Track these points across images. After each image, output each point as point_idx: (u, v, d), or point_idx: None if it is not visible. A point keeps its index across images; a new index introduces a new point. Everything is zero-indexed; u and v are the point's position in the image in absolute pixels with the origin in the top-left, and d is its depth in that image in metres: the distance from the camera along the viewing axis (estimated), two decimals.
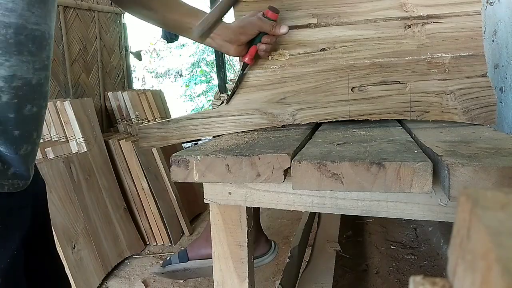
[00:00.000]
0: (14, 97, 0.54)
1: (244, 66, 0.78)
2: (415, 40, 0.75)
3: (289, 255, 1.35)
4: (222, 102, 0.83)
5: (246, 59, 0.76)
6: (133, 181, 2.19)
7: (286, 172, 0.51)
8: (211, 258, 1.20)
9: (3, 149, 0.56)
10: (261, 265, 1.18)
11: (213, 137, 0.79)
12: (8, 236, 0.63)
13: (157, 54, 8.64)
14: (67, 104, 1.80)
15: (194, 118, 0.78)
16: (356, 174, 0.45)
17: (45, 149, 1.65)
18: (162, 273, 1.22)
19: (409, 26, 0.75)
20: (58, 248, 1.37)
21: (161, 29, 4.64)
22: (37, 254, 0.76)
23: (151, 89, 2.78)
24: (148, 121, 2.43)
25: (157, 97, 2.73)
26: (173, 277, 1.24)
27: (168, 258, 1.23)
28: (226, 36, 0.77)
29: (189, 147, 0.99)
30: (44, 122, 0.68)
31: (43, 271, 0.77)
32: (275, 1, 0.77)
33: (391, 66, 0.75)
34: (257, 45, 0.75)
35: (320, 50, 0.77)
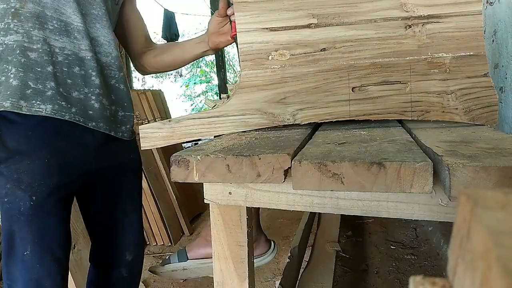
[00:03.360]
0: None
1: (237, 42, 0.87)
2: (416, 40, 0.75)
3: (289, 255, 1.35)
4: (214, 106, 0.85)
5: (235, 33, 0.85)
6: None
7: (287, 172, 0.51)
8: (210, 257, 1.20)
9: None
10: (260, 265, 1.18)
11: (214, 136, 0.79)
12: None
13: None
14: None
15: (195, 118, 0.78)
16: (356, 174, 0.45)
17: None
18: (161, 272, 1.22)
19: (410, 26, 0.75)
20: None
21: (161, 28, 4.65)
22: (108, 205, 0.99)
23: (151, 89, 2.78)
24: (148, 121, 2.43)
25: (157, 97, 2.73)
26: (172, 276, 1.24)
27: (167, 257, 1.23)
28: (210, 38, 1.02)
29: (189, 147, 0.99)
30: None
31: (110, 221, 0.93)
32: (274, 1, 0.77)
33: (392, 66, 0.75)
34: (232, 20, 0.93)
35: (321, 50, 0.77)
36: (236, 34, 0.82)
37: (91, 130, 0.87)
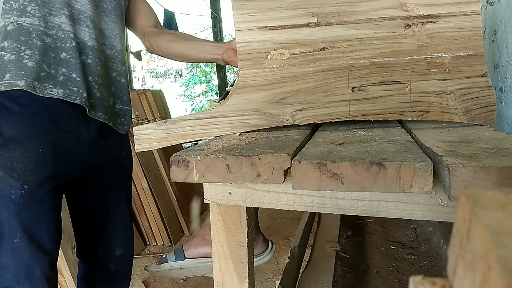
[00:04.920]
0: None
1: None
2: (415, 40, 0.75)
3: (289, 255, 1.35)
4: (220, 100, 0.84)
5: None
6: (133, 181, 2.19)
7: (286, 172, 0.51)
8: (208, 257, 1.20)
9: None
10: (258, 265, 1.18)
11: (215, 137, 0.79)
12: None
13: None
14: None
15: (191, 119, 0.77)
16: (356, 174, 0.45)
17: None
18: (158, 271, 1.22)
19: (409, 26, 0.75)
20: None
21: None
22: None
23: (151, 89, 2.78)
24: (148, 121, 2.43)
25: (157, 97, 2.73)
26: (168, 275, 1.24)
27: (164, 256, 1.23)
28: (228, 51, 1.00)
29: (189, 147, 0.99)
30: None
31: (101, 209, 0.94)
32: (274, 0, 0.77)
33: (391, 66, 0.75)
34: None
35: (320, 50, 0.77)
36: None
37: (87, 123, 0.88)
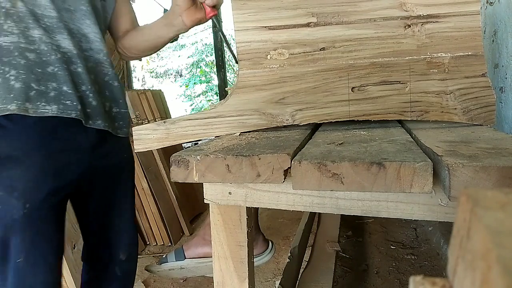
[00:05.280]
0: None
1: (218, 21, 0.85)
2: (415, 40, 0.75)
3: (289, 255, 1.35)
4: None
5: (210, 12, 0.81)
6: None
7: (286, 172, 0.51)
8: (208, 257, 1.20)
9: None
10: (259, 264, 1.18)
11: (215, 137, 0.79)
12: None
13: (157, 54, 8.64)
14: None
15: (191, 119, 0.77)
16: (356, 174, 0.45)
17: None
18: (158, 271, 1.22)
19: (409, 26, 0.75)
20: None
21: None
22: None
23: (151, 89, 2.78)
24: (148, 121, 2.43)
25: (157, 97, 2.73)
26: (168, 275, 1.24)
27: (164, 256, 1.23)
28: (173, 13, 0.94)
29: (189, 147, 0.99)
30: None
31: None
32: (273, 0, 0.77)
33: (391, 65, 0.75)
34: None
35: (320, 50, 0.77)
36: (214, 14, 0.80)
37: (85, 130, 0.86)
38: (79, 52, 0.85)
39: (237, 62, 0.87)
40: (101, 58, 0.91)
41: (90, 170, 0.90)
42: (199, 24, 0.96)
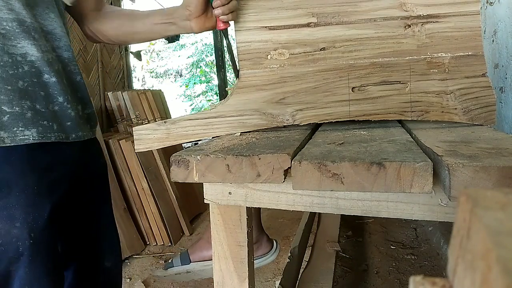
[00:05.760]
0: None
1: (225, 33, 0.82)
2: (415, 40, 0.75)
3: (289, 255, 1.35)
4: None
5: (221, 25, 0.78)
6: (133, 181, 2.19)
7: (286, 172, 0.51)
8: None
9: None
10: (264, 264, 1.18)
11: (213, 137, 0.79)
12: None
13: (157, 54, 8.64)
14: None
15: (191, 119, 0.77)
16: (356, 174, 0.45)
17: None
18: (165, 276, 1.22)
19: (409, 26, 0.75)
20: None
21: None
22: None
23: (151, 89, 2.78)
24: (148, 121, 2.43)
25: (157, 97, 2.73)
26: (175, 279, 1.25)
27: (170, 261, 1.24)
28: (180, 15, 0.82)
29: (189, 147, 0.98)
30: None
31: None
32: (274, 0, 0.77)
33: (391, 66, 0.75)
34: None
35: (320, 50, 0.77)
36: (226, 27, 0.78)
37: (68, 144, 0.77)
38: (48, 56, 0.73)
39: (234, 67, 0.86)
40: (70, 56, 0.79)
41: (76, 180, 0.82)
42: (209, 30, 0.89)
